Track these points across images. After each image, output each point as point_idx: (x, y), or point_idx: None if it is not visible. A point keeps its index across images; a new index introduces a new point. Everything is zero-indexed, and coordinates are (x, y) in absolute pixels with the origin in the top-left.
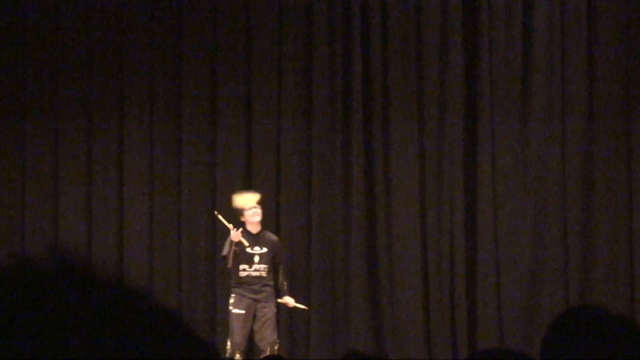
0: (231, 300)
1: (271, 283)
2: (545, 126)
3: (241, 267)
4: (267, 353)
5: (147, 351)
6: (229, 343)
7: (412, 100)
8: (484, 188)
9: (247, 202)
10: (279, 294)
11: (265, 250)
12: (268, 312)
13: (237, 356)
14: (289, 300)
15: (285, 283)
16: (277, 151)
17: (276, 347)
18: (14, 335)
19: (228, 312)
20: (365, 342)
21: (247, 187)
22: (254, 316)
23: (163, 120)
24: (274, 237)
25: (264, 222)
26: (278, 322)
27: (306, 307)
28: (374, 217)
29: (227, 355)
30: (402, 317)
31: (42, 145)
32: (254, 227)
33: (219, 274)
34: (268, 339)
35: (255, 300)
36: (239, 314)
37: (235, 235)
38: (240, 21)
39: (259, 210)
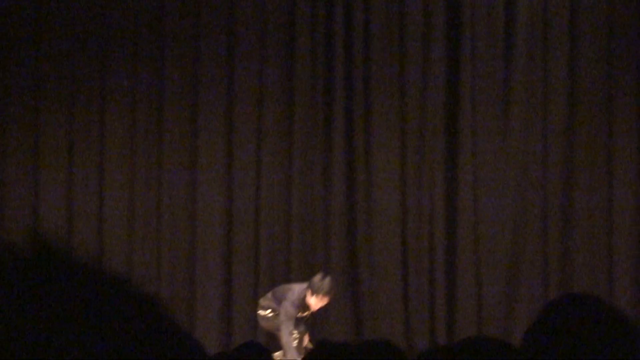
0: None
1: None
2: (526, 119)
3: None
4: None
5: (126, 339)
6: None
7: (394, 93)
8: (465, 179)
9: (325, 293)
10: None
11: (306, 313)
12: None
13: None
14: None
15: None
16: (258, 142)
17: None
18: None
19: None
20: (345, 332)
21: (329, 276)
22: None
23: (144, 107)
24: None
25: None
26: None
27: None
28: (354, 208)
29: None
30: (382, 307)
31: (23, 131)
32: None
33: (199, 264)
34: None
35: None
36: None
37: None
38: (222, 14)
39: (321, 305)
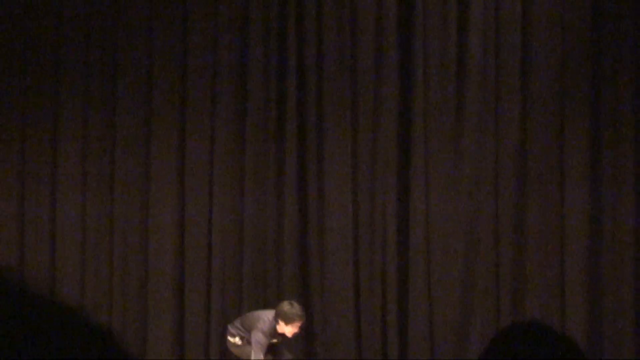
0: None
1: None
2: (478, 141)
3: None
4: None
5: None
6: None
7: (345, 107)
8: (417, 201)
9: (298, 319)
10: None
11: (275, 340)
12: None
13: None
14: None
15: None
16: (211, 157)
17: None
18: None
19: None
20: (296, 352)
21: (294, 301)
22: None
23: (96, 130)
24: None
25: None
26: None
27: None
28: (306, 230)
29: None
30: (334, 329)
31: None
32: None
33: (150, 292)
34: None
35: None
36: None
37: None
38: (176, 27)
39: (297, 331)
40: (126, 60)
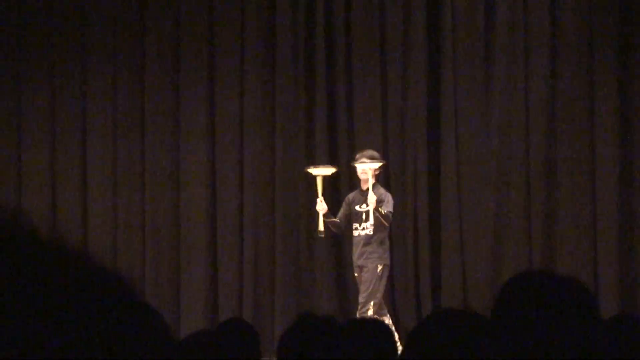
0: None
1: (374, 242)
2: (508, 85)
3: (353, 226)
4: (357, 315)
5: (105, 322)
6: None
7: (375, 57)
8: (447, 150)
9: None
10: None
11: (371, 208)
12: (365, 272)
13: (370, 312)
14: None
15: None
16: (240, 111)
17: (368, 310)
18: None
19: None
20: (330, 304)
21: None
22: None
23: (126, 87)
24: (381, 191)
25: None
26: (378, 282)
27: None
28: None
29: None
30: None
31: (4, 114)
32: (363, 184)
33: (182, 246)
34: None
35: (358, 261)
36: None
37: (319, 206)
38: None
39: (363, 167)
40: (154, 10)
